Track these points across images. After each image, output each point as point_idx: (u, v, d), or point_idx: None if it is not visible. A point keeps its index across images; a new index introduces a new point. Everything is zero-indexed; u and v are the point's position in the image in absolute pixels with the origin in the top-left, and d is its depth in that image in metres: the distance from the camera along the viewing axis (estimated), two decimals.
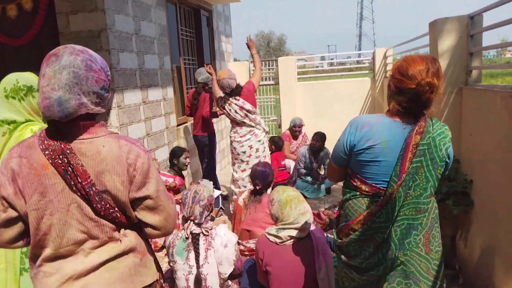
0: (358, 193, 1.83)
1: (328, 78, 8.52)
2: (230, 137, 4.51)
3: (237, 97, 4.36)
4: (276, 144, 5.85)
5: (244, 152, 4.39)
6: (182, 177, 4.74)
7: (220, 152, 7.28)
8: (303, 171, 5.71)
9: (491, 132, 2.77)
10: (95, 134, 1.35)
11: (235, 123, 4.45)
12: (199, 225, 2.56)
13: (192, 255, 2.52)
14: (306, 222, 2.46)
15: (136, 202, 1.42)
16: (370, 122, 1.76)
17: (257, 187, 3.53)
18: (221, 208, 4.96)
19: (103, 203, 1.34)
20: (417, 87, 1.64)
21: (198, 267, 2.51)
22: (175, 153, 4.62)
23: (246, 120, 4.37)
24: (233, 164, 4.57)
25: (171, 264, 2.62)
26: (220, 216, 4.92)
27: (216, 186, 5.44)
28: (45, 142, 1.31)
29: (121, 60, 3.92)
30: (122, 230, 1.44)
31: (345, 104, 7.72)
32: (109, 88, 1.43)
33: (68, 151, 1.30)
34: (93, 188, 1.32)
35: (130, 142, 1.40)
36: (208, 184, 4.73)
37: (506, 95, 2.53)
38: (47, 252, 1.35)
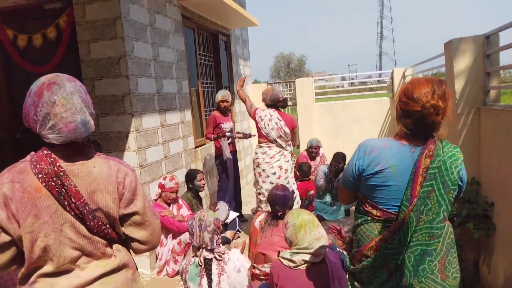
0: (369, 218, 1.80)
1: (348, 98, 8.50)
2: (257, 158, 4.45)
3: (279, 116, 4.43)
4: (303, 172, 5.51)
5: (274, 174, 4.37)
6: (200, 199, 4.77)
7: (239, 171, 7.29)
8: (322, 183, 5.64)
9: (510, 153, 2.70)
10: (85, 156, 1.45)
11: (265, 141, 4.44)
12: (211, 250, 2.56)
13: (204, 280, 2.51)
14: (321, 247, 2.43)
15: (125, 218, 1.51)
16: (379, 146, 1.75)
17: (279, 213, 3.48)
18: (238, 230, 4.94)
19: (96, 220, 1.42)
20: (422, 109, 1.63)
21: None
22: (190, 176, 4.66)
23: (279, 140, 4.40)
24: (260, 186, 4.48)
25: None
26: (237, 238, 4.89)
27: (237, 206, 5.47)
28: (38, 166, 1.38)
29: (140, 85, 4.03)
30: (115, 246, 1.52)
31: (363, 124, 7.66)
32: None
33: (61, 173, 1.38)
34: (87, 207, 1.40)
35: (118, 162, 1.51)
36: (222, 206, 4.75)
37: None
38: (46, 269, 1.40)
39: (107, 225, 1.46)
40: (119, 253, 1.51)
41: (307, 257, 2.40)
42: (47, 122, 1.36)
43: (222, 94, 5.24)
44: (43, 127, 1.36)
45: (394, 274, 1.75)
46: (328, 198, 5.68)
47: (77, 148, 1.44)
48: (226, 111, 5.31)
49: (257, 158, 4.46)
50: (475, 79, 3.35)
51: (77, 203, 1.38)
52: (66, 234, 1.40)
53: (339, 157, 5.64)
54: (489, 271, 3.11)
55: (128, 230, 1.52)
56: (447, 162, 1.69)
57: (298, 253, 2.42)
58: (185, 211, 4.30)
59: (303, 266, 2.40)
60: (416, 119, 1.67)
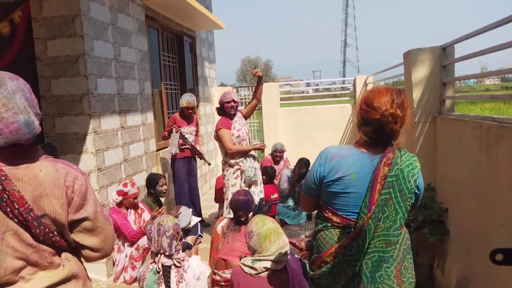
0: (329, 224, 1.81)
1: (312, 104, 8.62)
2: (237, 163, 4.26)
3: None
4: (268, 175, 5.45)
5: (256, 175, 4.33)
6: (160, 203, 4.66)
7: (201, 177, 7.22)
8: (286, 186, 5.68)
9: (463, 161, 2.81)
10: (30, 158, 1.36)
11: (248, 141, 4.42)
12: (170, 256, 2.50)
13: None
14: (283, 255, 2.42)
15: (74, 225, 1.42)
16: (339, 154, 1.77)
17: (242, 219, 3.45)
18: (199, 235, 4.87)
19: (42, 227, 1.33)
20: (381, 117, 1.66)
21: None
22: (151, 181, 4.54)
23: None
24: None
25: None
26: (199, 243, 4.82)
27: (196, 211, 5.37)
28: None
29: (99, 86, 3.89)
30: (64, 254, 1.43)
31: (326, 130, 7.79)
32: None
33: (3, 178, 1.28)
34: (31, 214, 1.31)
35: (67, 165, 1.42)
36: (185, 211, 4.66)
37: (477, 125, 2.58)
38: None
39: (55, 232, 1.37)
40: (68, 263, 1.42)
41: (268, 264, 2.39)
42: None
43: (186, 100, 5.06)
44: None
45: (352, 280, 1.77)
46: (290, 203, 5.72)
47: (21, 151, 1.35)
48: (189, 116, 5.21)
49: (237, 163, 4.33)
50: (432, 89, 3.47)
51: (21, 210, 1.29)
52: (9, 243, 1.30)
53: (302, 163, 5.70)
54: (443, 275, 3.22)
55: (78, 237, 1.43)
56: (405, 171, 1.73)
57: (260, 260, 2.41)
58: (147, 215, 4.19)
59: (264, 274, 2.39)
60: (375, 127, 1.69)
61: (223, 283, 3.17)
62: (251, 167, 4.29)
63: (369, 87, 7.34)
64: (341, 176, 1.72)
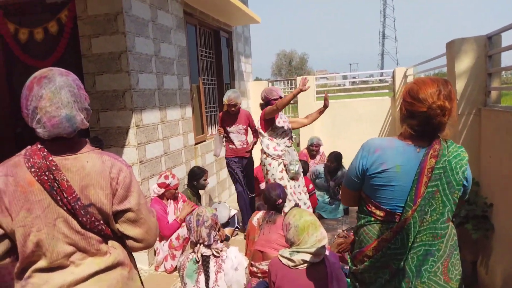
0: (372, 218, 1.78)
1: (349, 97, 8.48)
2: (280, 156, 4.33)
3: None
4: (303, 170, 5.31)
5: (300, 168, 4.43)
6: (199, 196, 4.77)
7: None
8: (318, 181, 5.66)
9: (510, 154, 2.69)
10: (79, 150, 1.43)
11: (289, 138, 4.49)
12: (208, 246, 2.56)
13: (202, 277, 2.52)
14: (321, 248, 2.42)
15: (118, 215, 1.48)
16: (383, 146, 1.73)
17: (278, 203, 3.50)
18: (236, 227, 4.94)
19: (88, 216, 1.40)
20: (428, 110, 1.61)
21: None
22: (196, 175, 4.65)
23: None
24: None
25: (182, 286, 2.62)
26: (236, 235, 4.90)
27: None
28: (31, 160, 1.37)
29: (140, 81, 4.03)
30: (110, 242, 1.50)
31: (364, 124, 7.65)
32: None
33: (53, 168, 1.37)
34: (79, 202, 1.38)
35: (112, 158, 1.48)
36: (221, 206, 4.76)
37: None
38: (40, 264, 1.39)
39: (101, 221, 1.44)
40: (114, 251, 1.49)
41: (307, 257, 2.40)
42: (36, 116, 1.35)
43: (228, 97, 4.73)
44: (33, 121, 1.36)
45: (396, 275, 1.73)
46: (326, 197, 5.68)
47: (70, 143, 1.43)
48: (234, 114, 4.86)
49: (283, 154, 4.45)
50: (476, 80, 3.34)
51: (69, 198, 1.37)
52: (59, 229, 1.39)
53: (331, 157, 5.64)
54: (487, 272, 3.11)
55: (123, 227, 1.49)
56: (453, 162, 1.67)
57: (298, 252, 2.42)
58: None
59: (302, 266, 2.40)
60: (421, 120, 1.64)
61: (260, 275, 3.21)
62: (294, 160, 4.36)
63: (409, 79, 7.13)
64: (385, 169, 1.69)
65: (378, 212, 1.75)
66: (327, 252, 2.50)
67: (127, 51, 3.80)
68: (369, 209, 1.79)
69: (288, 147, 4.42)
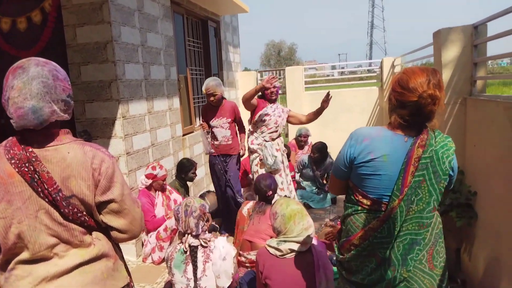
0: (359, 208, 1.80)
1: (338, 87, 8.50)
2: (256, 150, 4.29)
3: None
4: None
5: (276, 163, 4.27)
6: (187, 187, 4.76)
7: None
8: (304, 171, 5.72)
9: (494, 143, 2.73)
10: (60, 141, 1.41)
11: (276, 133, 4.38)
12: (196, 236, 2.57)
13: (190, 268, 2.52)
14: (308, 236, 2.44)
15: (102, 206, 1.47)
16: (371, 135, 1.74)
17: (268, 194, 3.51)
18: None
19: (70, 207, 1.39)
20: (419, 99, 1.61)
21: (195, 280, 2.50)
22: (185, 167, 4.62)
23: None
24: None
25: (170, 277, 2.62)
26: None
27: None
28: (11, 151, 1.36)
29: (127, 71, 3.98)
30: (95, 233, 1.49)
31: (352, 113, 7.68)
32: (72, 97, 1.49)
33: (33, 159, 1.35)
34: (60, 194, 1.37)
35: (95, 148, 1.46)
36: (210, 195, 4.76)
37: (509, 105, 2.50)
38: (23, 256, 1.39)
39: (84, 213, 1.42)
40: (98, 242, 1.48)
41: (294, 246, 2.42)
42: (9, 107, 1.34)
43: (205, 86, 4.28)
44: (8, 112, 1.34)
45: (382, 263, 1.76)
46: (314, 187, 5.72)
47: (51, 134, 1.41)
48: (216, 106, 4.40)
49: (277, 145, 4.41)
50: (462, 69, 3.37)
51: (50, 190, 1.35)
52: (42, 220, 1.38)
53: (314, 148, 5.69)
54: (470, 259, 3.18)
55: (106, 218, 1.48)
56: (439, 152, 1.69)
57: (285, 241, 2.44)
58: (177, 196, 4.31)
59: (290, 255, 2.42)
60: (412, 109, 1.65)
61: (248, 264, 3.24)
62: (271, 155, 4.21)
63: (397, 69, 7.17)
64: (373, 158, 1.69)
65: (365, 201, 1.77)
66: (314, 241, 2.53)
67: (113, 40, 3.74)
68: (357, 198, 1.81)
69: (267, 141, 4.30)
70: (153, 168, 4.04)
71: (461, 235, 3.31)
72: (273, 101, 4.37)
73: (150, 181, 4.03)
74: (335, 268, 2.94)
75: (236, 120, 4.50)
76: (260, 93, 4.27)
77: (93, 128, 3.91)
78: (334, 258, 2.70)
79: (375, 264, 1.77)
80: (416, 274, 1.74)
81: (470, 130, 3.25)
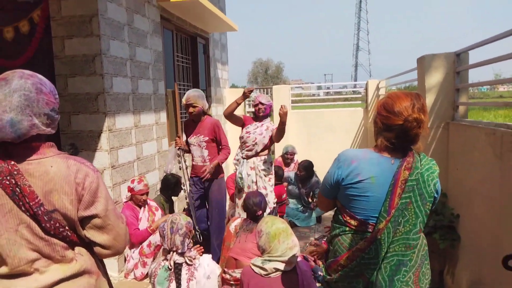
0: (347, 228, 1.81)
1: (324, 107, 8.61)
2: (258, 166, 4.24)
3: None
4: (277, 176, 5.22)
5: (243, 182, 4.26)
6: (172, 202, 4.71)
7: None
8: (290, 188, 5.73)
9: (476, 167, 2.80)
10: (43, 154, 1.38)
11: (265, 149, 4.30)
12: (182, 254, 2.53)
13: (173, 285, 2.48)
14: (293, 256, 2.44)
15: (85, 221, 1.43)
16: (358, 157, 1.77)
17: (258, 214, 3.49)
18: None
19: (52, 222, 1.35)
20: (405, 123, 1.65)
21: None
22: (169, 183, 4.52)
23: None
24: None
25: None
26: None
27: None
28: None
29: (114, 85, 3.96)
30: (77, 249, 1.45)
31: (337, 133, 7.78)
32: (58, 111, 1.46)
33: (15, 172, 1.32)
34: (41, 208, 1.34)
35: (79, 162, 1.43)
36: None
37: (490, 132, 2.57)
38: (2, 270, 1.35)
39: (66, 227, 1.39)
40: (81, 257, 1.45)
41: (278, 265, 2.41)
42: None
43: (186, 96, 3.92)
44: None
45: (369, 284, 1.77)
46: (299, 205, 5.73)
47: (34, 147, 1.38)
48: (195, 121, 4.00)
49: (258, 167, 4.30)
50: (445, 95, 3.46)
51: (31, 204, 1.32)
52: (22, 234, 1.34)
53: (301, 166, 5.74)
54: (453, 281, 3.21)
55: (89, 234, 1.45)
56: (425, 175, 1.73)
57: (270, 260, 2.42)
58: (160, 215, 4.24)
59: (274, 274, 2.40)
60: (398, 133, 1.69)
61: (232, 282, 3.19)
62: (239, 172, 4.22)
63: (382, 91, 7.31)
64: (361, 180, 1.72)
65: (352, 222, 1.79)
66: (299, 259, 2.52)
67: (102, 54, 3.74)
68: (344, 219, 1.82)
69: (243, 158, 4.28)
70: (132, 181, 3.97)
71: (444, 257, 3.34)
72: (260, 119, 4.31)
73: (129, 194, 3.98)
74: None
75: (217, 140, 3.95)
76: (253, 112, 4.30)
77: (78, 141, 3.85)
78: (319, 273, 2.69)
79: (362, 285, 1.78)
80: None
81: (453, 153, 3.32)
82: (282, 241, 2.42)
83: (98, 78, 3.76)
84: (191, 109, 3.87)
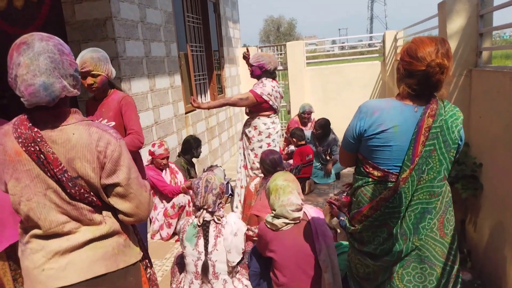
0: (370, 179, 1.81)
1: (339, 62, 8.42)
2: (268, 128, 4.12)
3: (276, 84, 4.16)
4: (298, 137, 5.31)
5: (278, 141, 4.26)
6: (192, 164, 4.78)
7: (229, 139, 7.30)
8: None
9: (500, 114, 2.72)
10: (65, 121, 1.39)
11: (273, 112, 4.16)
12: (212, 213, 2.59)
13: (201, 241, 2.56)
14: (291, 213, 2.45)
15: (108, 189, 1.46)
16: (381, 107, 1.74)
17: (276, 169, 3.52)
18: (230, 194, 4.99)
19: (76, 188, 1.38)
20: (427, 68, 1.62)
21: (206, 254, 2.54)
22: (191, 145, 4.63)
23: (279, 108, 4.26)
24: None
25: (182, 249, 2.66)
26: (229, 202, 4.95)
27: None
28: (18, 130, 1.35)
29: (127, 49, 3.92)
30: (105, 212, 1.49)
31: (354, 88, 7.64)
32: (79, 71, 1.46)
33: (39, 139, 1.34)
34: (65, 175, 1.36)
35: (101, 129, 1.42)
36: (219, 171, 4.77)
37: None
38: (36, 231, 1.41)
39: (91, 193, 1.42)
40: (109, 220, 1.49)
41: (286, 220, 2.46)
42: (17, 85, 1.30)
43: (80, 60, 2.55)
44: (16, 90, 1.32)
45: (394, 232, 1.78)
46: (318, 163, 5.74)
47: (57, 113, 1.38)
48: (97, 98, 2.73)
49: (268, 128, 4.12)
50: (468, 40, 3.32)
51: (55, 170, 1.34)
52: (51, 198, 1.38)
53: (317, 125, 5.68)
54: (475, 230, 3.21)
55: (113, 201, 1.47)
56: (449, 121, 1.70)
57: (277, 217, 2.48)
58: (181, 177, 4.32)
59: (286, 227, 2.46)
60: (420, 79, 1.65)
61: (255, 238, 3.28)
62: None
63: (399, 43, 7.07)
64: (384, 129, 1.70)
65: (375, 173, 1.78)
66: (308, 209, 2.55)
67: (112, 17, 3.68)
68: (367, 170, 1.81)
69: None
70: (153, 145, 4.04)
71: (466, 206, 3.33)
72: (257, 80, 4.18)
73: (150, 158, 4.05)
74: (345, 242, 2.97)
75: (125, 124, 2.68)
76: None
77: None
78: (341, 218, 2.73)
79: (387, 234, 1.79)
80: (428, 242, 1.77)
81: (475, 101, 3.23)
82: (278, 198, 2.48)
83: (110, 43, 3.72)
84: (89, 80, 2.58)
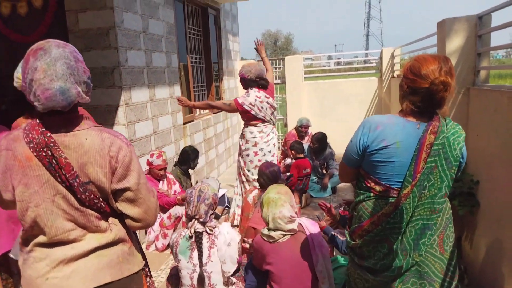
0: (371, 194, 1.82)
1: (335, 78, 8.50)
2: (254, 137, 4.20)
3: (265, 94, 4.20)
4: (297, 150, 5.25)
5: (270, 152, 4.27)
6: (188, 175, 4.77)
7: (226, 150, 7.31)
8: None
9: (497, 133, 2.76)
10: (78, 127, 1.40)
11: (261, 121, 4.22)
12: (203, 223, 2.58)
13: (195, 253, 2.54)
14: (284, 226, 2.48)
15: (117, 194, 1.46)
16: (384, 123, 1.76)
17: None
18: (226, 206, 4.97)
19: (87, 194, 1.39)
20: (431, 86, 1.64)
21: (201, 265, 2.52)
22: (188, 156, 4.63)
23: (272, 117, 4.30)
24: (255, 166, 4.22)
25: (176, 263, 2.64)
26: (225, 214, 4.93)
27: None
28: (30, 135, 1.36)
29: (129, 58, 3.95)
30: (111, 219, 1.49)
31: (351, 104, 7.70)
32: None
33: (51, 144, 1.35)
34: (77, 180, 1.37)
35: (113, 135, 1.44)
36: (213, 182, 4.74)
37: None
38: (41, 239, 1.40)
39: (100, 199, 1.42)
40: (115, 227, 1.49)
41: (283, 232, 2.48)
42: (32, 89, 1.32)
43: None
44: (30, 94, 1.33)
45: (394, 248, 1.79)
46: (314, 177, 5.75)
47: (70, 118, 1.40)
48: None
49: (254, 137, 4.20)
50: (466, 60, 3.38)
51: (67, 175, 1.35)
52: (59, 205, 1.38)
53: (314, 139, 5.72)
54: (471, 246, 3.23)
55: (121, 206, 1.48)
56: (451, 139, 1.72)
57: (273, 230, 2.50)
58: (177, 188, 4.30)
59: (283, 239, 2.48)
60: (424, 96, 1.68)
61: (252, 251, 3.26)
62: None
63: (396, 60, 7.17)
64: (386, 145, 1.71)
65: (377, 188, 1.79)
66: (304, 221, 2.58)
67: (116, 26, 3.71)
68: (368, 185, 1.82)
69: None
70: (151, 155, 4.03)
71: (462, 223, 3.35)
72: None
73: (147, 168, 4.04)
74: (340, 258, 2.97)
75: None
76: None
77: (96, 115, 3.87)
78: (332, 233, 2.76)
79: (387, 249, 1.79)
80: (428, 258, 1.78)
81: (473, 119, 3.28)
82: (270, 210, 2.53)
83: (113, 52, 3.75)
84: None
